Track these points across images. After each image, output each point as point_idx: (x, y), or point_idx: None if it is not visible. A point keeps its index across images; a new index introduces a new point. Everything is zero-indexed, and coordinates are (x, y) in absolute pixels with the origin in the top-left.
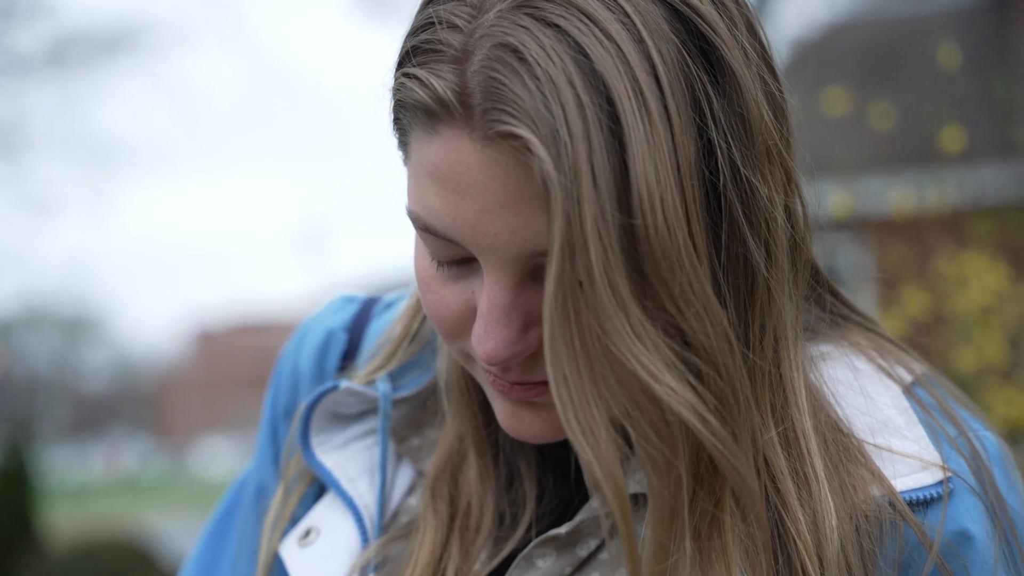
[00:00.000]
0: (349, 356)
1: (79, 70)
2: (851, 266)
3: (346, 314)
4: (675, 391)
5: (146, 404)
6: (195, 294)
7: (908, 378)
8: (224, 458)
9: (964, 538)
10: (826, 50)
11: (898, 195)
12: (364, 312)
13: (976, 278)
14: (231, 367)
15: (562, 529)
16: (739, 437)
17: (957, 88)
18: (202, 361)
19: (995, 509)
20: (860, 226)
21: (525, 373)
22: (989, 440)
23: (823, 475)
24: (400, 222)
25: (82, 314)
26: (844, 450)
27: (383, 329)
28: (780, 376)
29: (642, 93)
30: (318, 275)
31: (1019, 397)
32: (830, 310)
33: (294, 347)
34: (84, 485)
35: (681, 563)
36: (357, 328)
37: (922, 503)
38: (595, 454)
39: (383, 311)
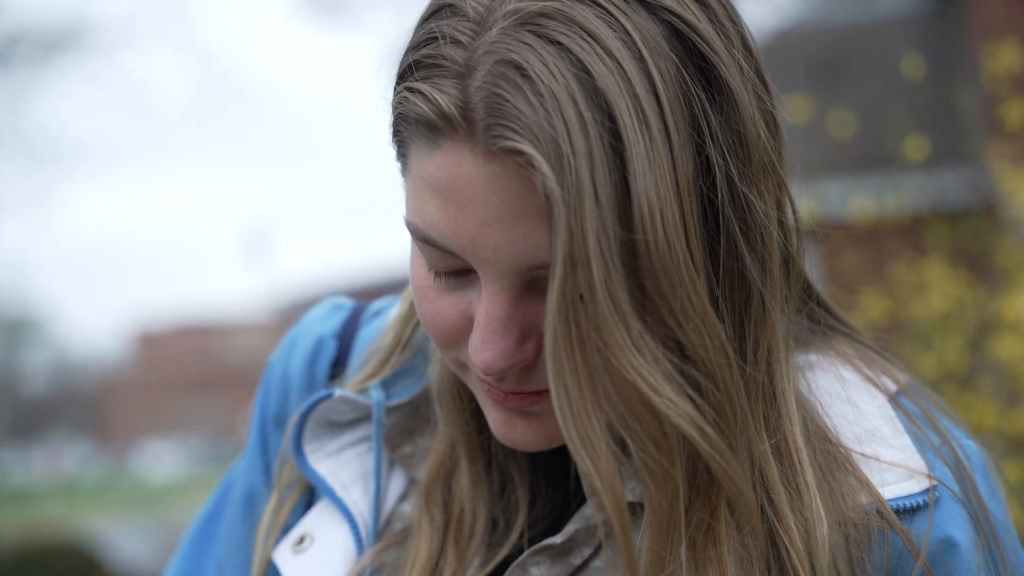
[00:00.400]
0: (339, 363)
1: (23, 69)
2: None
3: (335, 321)
4: (674, 403)
5: (87, 407)
6: (137, 296)
7: (893, 387)
8: (166, 461)
9: (949, 545)
10: (774, 56)
11: (856, 202)
12: (353, 319)
13: (936, 284)
14: (173, 370)
15: (557, 539)
16: (736, 449)
17: (906, 95)
18: (144, 363)
19: (979, 517)
20: (812, 231)
21: (520, 383)
22: (971, 449)
23: (814, 485)
24: (346, 227)
25: (23, 315)
26: (833, 459)
27: (373, 336)
28: (773, 388)
29: (643, 110)
30: (263, 278)
31: (979, 402)
32: (818, 321)
33: (283, 354)
34: (25, 488)
35: (677, 573)
36: (346, 335)
37: (909, 511)
38: (595, 465)
39: (372, 318)
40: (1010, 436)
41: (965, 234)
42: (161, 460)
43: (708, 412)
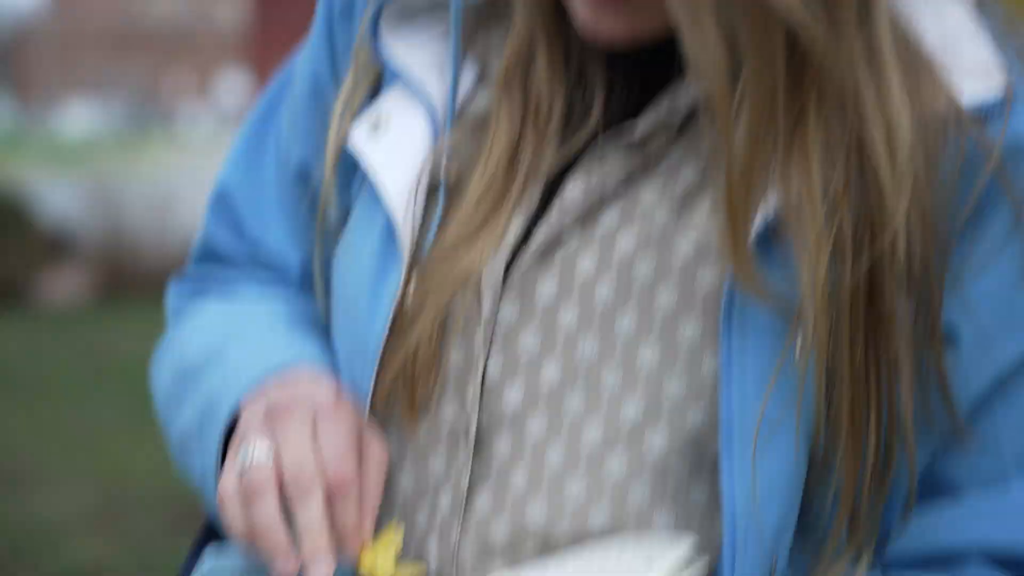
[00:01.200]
0: None
1: None
2: None
3: None
4: None
5: (2, 61)
6: None
7: None
8: (84, 118)
9: (1022, 145)
10: None
11: None
12: None
13: None
14: (92, 26)
15: (634, 129)
16: (837, 42)
17: None
18: (62, 16)
19: None
20: None
21: None
22: None
23: (898, 86)
24: None
25: None
26: (916, 63)
27: None
28: None
29: None
30: None
31: None
32: None
33: None
34: None
35: (770, 158)
36: None
37: (984, 112)
38: (702, 44)
39: None
40: None
41: None
42: (80, 117)
43: (814, 5)
